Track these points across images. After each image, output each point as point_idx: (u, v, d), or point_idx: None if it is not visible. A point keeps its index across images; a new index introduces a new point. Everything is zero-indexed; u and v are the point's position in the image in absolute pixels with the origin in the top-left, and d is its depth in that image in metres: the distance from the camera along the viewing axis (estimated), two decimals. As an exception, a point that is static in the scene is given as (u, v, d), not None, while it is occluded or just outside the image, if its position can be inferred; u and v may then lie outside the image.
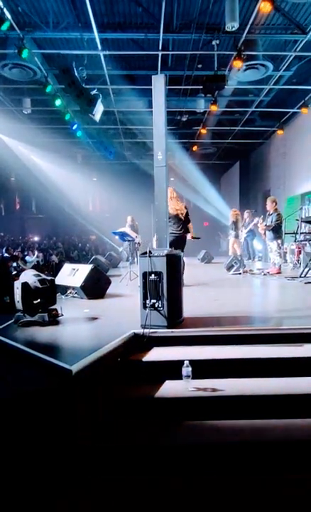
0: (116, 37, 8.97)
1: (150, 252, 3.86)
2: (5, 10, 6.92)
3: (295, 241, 9.54)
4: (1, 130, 14.84)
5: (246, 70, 9.28)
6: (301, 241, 8.92)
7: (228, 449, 2.57)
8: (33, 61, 8.94)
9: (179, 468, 2.47)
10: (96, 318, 4.62)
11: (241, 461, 2.52)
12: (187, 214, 6.79)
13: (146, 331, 3.69)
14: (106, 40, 8.89)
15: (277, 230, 8.58)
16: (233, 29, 7.51)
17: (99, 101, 9.49)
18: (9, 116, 13.28)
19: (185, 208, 6.84)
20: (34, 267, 9.54)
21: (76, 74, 8.73)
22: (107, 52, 9.10)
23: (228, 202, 19.26)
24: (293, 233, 9.42)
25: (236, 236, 11.32)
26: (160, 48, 8.93)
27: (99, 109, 9.61)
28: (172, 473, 2.44)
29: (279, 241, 8.67)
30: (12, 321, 4.33)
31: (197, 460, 2.52)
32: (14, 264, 9.64)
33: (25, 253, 12.47)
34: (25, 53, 7.79)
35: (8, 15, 7.04)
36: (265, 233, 8.76)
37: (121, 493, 2.28)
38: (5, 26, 6.96)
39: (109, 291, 6.39)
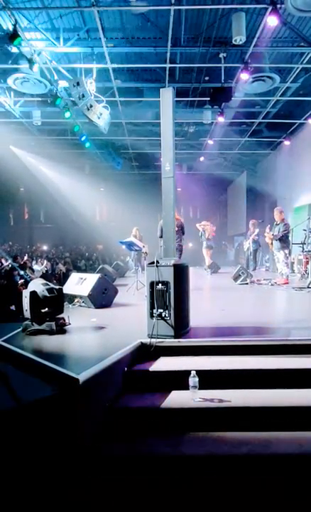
0: (124, 50, 9.15)
1: (157, 261, 3.88)
2: (17, 25, 7.12)
3: (302, 251, 9.48)
4: (12, 141, 15.09)
5: (252, 82, 9.39)
6: (308, 251, 8.87)
7: (234, 461, 2.55)
8: (43, 74, 9.13)
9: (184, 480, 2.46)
10: (103, 328, 4.63)
11: (248, 474, 2.49)
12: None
13: (153, 340, 3.69)
14: (114, 54, 9.07)
15: (284, 240, 8.56)
16: (240, 42, 7.64)
17: (108, 113, 9.65)
18: (19, 127, 13.53)
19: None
20: (42, 276, 9.59)
21: (85, 86, 8.89)
22: (116, 66, 9.28)
23: (235, 212, 19.30)
24: (301, 243, 9.38)
25: (206, 246, 12.02)
26: (168, 61, 9.09)
27: (107, 121, 9.76)
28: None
29: (286, 251, 8.63)
30: (20, 329, 4.36)
31: (202, 471, 2.50)
32: (21, 273, 9.69)
33: (34, 262, 12.55)
34: (36, 67, 7.98)
35: (19, 30, 7.23)
36: (272, 243, 8.73)
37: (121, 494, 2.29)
38: (17, 41, 7.15)
39: (116, 300, 6.40)
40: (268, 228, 8.99)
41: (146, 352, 3.63)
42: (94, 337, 4.38)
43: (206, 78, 10.24)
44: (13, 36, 7.08)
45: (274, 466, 2.52)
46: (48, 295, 4.38)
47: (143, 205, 18.02)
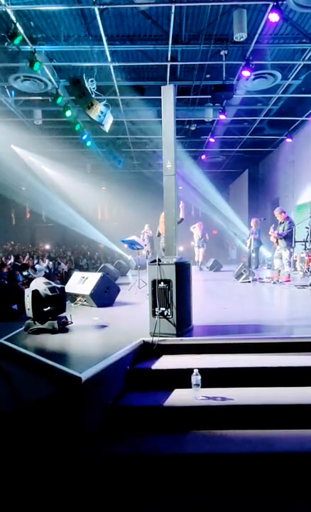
0: (125, 49, 9.12)
1: (159, 259, 3.87)
2: (17, 24, 7.10)
3: (304, 249, 9.45)
4: (13, 141, 15.08)
5: (254, 79, 9.34)
6: (311, 249, 8.85)
7: (237, 460, 2.54)
8: (44, 73, 9.11)
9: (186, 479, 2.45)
10: (105, 326, 4.63)
11: (250, 472, 2.48)
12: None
13: (155, 339, 3.68)
14: (115, 52, 9.04)
15: (289, 238, 8.50)
16: (242, 39, 7.60)
17: (109, 111, 9.63)
18: (21, 127, 13.52)
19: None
20: (45, 276, 9.59)
21: (86, 85, 8.87)
22: (117, 64, 9.26)
23: (237, 210, 19.24)
24: (303, 241, 9.34)
25: (196, 246, 12.88)
26: (169, 58, 9.05)
27: (108, 120, 9.75)
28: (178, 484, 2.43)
29: (291, 249, 8.58)
30: (22, 328, 4.36)
31: (205, 470, 2.49)
32: (25, 273, 9.69)
33: (36, 261, 12.55)
34: (36, 66, 7.97)
35: (20, 29, 7.22)
36: (277, 241, 8.66)
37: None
38: (17, 40, 7.13)
39: (118, 299, 6.40)
40: (272, 228, 8.89)
41: (148, 350, 3.63)
42: (96, 336, 4.38)
43: (208, 76, 10.17)
44: (13, 35, 7.07)
45: (276, 465, 2.51)
46: (50, 294, 4.38)
47: (144, 204, 18.00)
